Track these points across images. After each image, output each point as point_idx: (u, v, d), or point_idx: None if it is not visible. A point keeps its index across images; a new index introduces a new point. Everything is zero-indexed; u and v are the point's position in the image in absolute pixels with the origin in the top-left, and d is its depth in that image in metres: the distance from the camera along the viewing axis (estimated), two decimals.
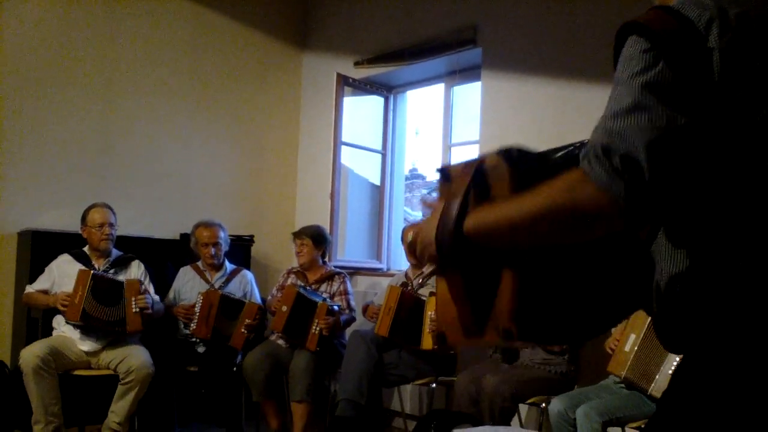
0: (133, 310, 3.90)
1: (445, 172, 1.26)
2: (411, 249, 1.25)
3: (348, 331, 4.32)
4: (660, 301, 1.11)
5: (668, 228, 1.09)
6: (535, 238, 1.07)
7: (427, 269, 4.20)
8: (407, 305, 3.92)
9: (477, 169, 1.16)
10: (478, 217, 1.12)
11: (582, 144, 1.11)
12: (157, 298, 4.17)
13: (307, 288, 4.35)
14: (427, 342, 3.85)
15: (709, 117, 0.99)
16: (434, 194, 1.31)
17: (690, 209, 1.05)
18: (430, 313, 3.85)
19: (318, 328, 4.05)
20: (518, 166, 1.12)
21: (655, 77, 0.99)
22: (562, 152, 1.18)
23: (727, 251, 1.02)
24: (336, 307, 4.23)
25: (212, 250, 4.42)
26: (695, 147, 0.99)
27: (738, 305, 1.02)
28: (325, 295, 4.35)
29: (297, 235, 4.53)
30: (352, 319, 4.41)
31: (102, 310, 3.86)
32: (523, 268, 1.10)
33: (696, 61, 0.99)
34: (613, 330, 3.27)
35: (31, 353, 3.65)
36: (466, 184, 1.16)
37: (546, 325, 1.13)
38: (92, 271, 3.90)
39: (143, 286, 4.00)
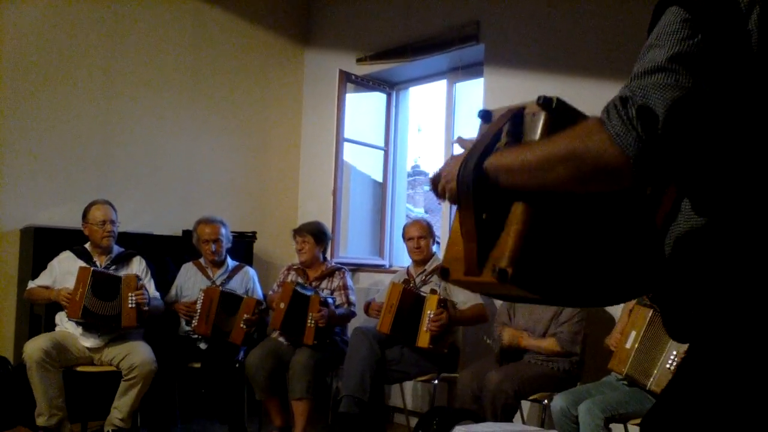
0: (129, 305, 3.89)
1: (488, 114, 1.27)
2: (434, 184, 1.27)
3: (350, 328, 4.32)
4: (670, 263, 1.10)
5: (683, 191, 1.09)
6: (547, 181, 1.08)
7: (430, 266, 4.20)
8: (409, 303, 3.91)
9: (515, 114, 1.18)
10: (500, 157, 1.15)
11: None
12: (156, 294, 4.17)
13: (306, 285, 4.35)
14: (423, 340, 3.85)
15: (737, 94, 0.99)
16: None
17: (707, 175, 1.05)
18: (429, 312, 3.85)
19: (313, 322, 4.05)
20: (555, 115, 1.14)
21: (689, 48, 0.99)
22: None
23: (743, 220, 1.02)
24: (330, 300, 4.23)
25: (213, 247, 4.42)
26: (717, 115, 0.99)
27: (747, 282, 1.01)
28: (325, 292, 4.35)
29: (298, 232, 4.52)
30: (352, 314, 4.40)
31: (101, 306, 3.86)
32: (535, 216, 1.11)
33: (734, 39, 0.99)
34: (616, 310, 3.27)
35: (35, 346, 3.65)
36: (498, 126, 1.18)
37: (545, 276, 1.13)
38: (92, 269, 3.90)
39: (140, 282, 3.98)
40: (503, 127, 1.18)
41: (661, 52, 1.01)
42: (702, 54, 0.99)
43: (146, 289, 4.02)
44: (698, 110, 0.97)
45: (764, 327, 1.00)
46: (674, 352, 2.94)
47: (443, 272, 1.26)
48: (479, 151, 1.15)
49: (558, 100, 1.16)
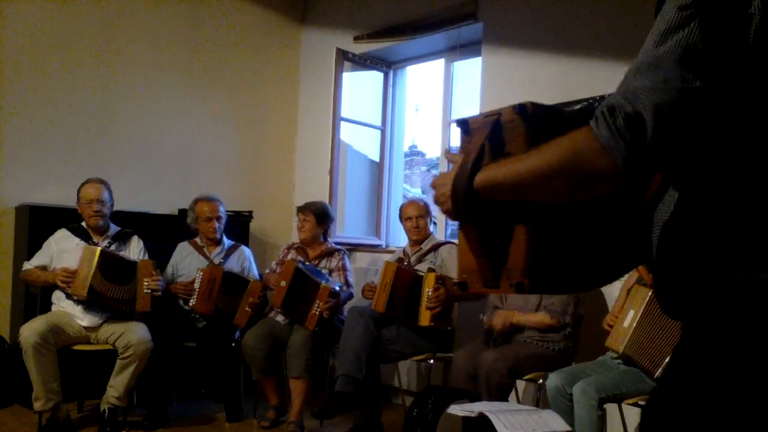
0: (145, 291, 3.92)
1: (466, 124, 1.29)
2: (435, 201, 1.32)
3: (346, 307, 4.32)
4: (659, 247, 1.11)
5: (673, 182, 1.10)
6: (540, 194, 1.10)
7: (426, 245, 4.20)
8: (404, 281, 3.91)
9: (494, 125, 1.20)
10: (489, 173, 1.16)
11: (601, 98, 1.11)
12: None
13: (307, 264, 4.34)
14: (425, 318, 3.85)
15: (732, 83, 0.98)
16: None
17: (696, 169, 1.05)
18: (427, 289, 3.85)
19: (319, 311, 4.05)
20: (534, 123, 1.15)
21: (684, 38, 0.98)
22: (579, 106, 1.20)
23: (734, 207, 1.02)
24: (338, 287, 4.21)
25: (216, 225, 4.41)
26: (708, 112, 0.98)
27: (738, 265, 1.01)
28: (324, 271, 4.34)
29: (302, 210, 4.50)
30: (350, 296, 4.41)
31: (110, 288, 3.87)
32: (534, 224, 1.15)
33: (732, 25, 0.97)
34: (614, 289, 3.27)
35: (31, 330, 3.65)
36: (482, 139, 1.19)
37: (556, 276, 1.18)
38: (100, 248, 3.90)
39: (156, 268, 4.02)
40: (485, 139, 1.20)
41: (653, 46, 1.00)
42: (695, 42, 0.97)
43: (162, 277, 4.06)
44: (687, 111, 0.97)
45: (753, 303, 1.00)
46: None
47: (461, 285, 1.30)
48: (468, 170, 1.17)
49: (533, 105, 1.16)
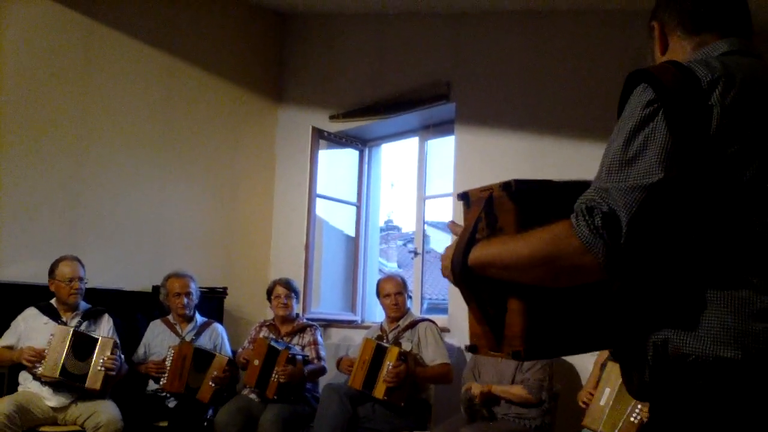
0: (98, 368, 3.82)
1: (467, 197, 1.38)
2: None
3: (321, 383, 4.27)
4: (622, 323, 1.16)
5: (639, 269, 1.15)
6: (524, 279, 1.17)
7: (404, 322, 4.19)
8: (374, 354, 3.91)
9: (487, 200, 1.29)
10: (480, 252, 1.23)
11: (585, 183, 1.18)
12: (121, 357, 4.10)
13: (278, 340, 4.31)
14: (380, 391, 3.83)
15: (697, 171, 1.05)
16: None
17: (663, 254, 1.10)
18: (389, 363, 3.83)
19: (277, 377, 4.02)
20: (521, 198, 1.23)
21: (651, 131, 1.05)
22: (566, 180, 1.26)
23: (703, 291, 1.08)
24: (300, 357, 4.19)
25: (185, 300, 4.38)
26: (676, 202, 1.05)
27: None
28: (297, 348, 4.31)
29: (285, 286, 4.50)
30: (322, 370, 4.37)
31: (79, 367, 3.79)
32: (528, 298, 1.21)
33: (694, 116, 1.05)
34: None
35: None
36: (477, 214, 1.29)
37: (550, 343, 1.25)
38: (72, 328, 3.83)
39: (117, 348, 3.93)
40: (480, 213, 1.29)
41: (623, 140, 1.07)
42: (661, 135, 1.04)
43: (120, 356, 3.95)
44: (657, 208, 1.04)
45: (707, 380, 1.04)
46: (639, 407, 2.95)
47: (472, 348, 1.37)
48: (462, 247, 1.26)
49: (516, 182, 1.24)
